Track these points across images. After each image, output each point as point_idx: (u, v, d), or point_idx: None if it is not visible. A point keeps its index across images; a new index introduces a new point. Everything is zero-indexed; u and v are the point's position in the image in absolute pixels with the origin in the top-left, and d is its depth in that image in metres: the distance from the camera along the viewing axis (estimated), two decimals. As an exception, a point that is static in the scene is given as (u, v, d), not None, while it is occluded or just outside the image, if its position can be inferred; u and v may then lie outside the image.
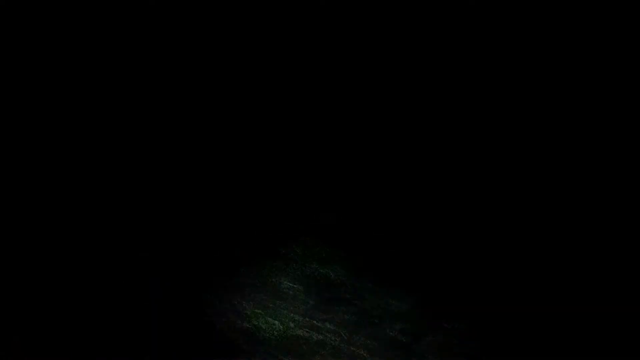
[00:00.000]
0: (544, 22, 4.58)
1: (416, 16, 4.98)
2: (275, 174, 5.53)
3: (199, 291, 3.30)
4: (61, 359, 2.27)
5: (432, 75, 5.13)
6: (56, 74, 4.78)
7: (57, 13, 4.65)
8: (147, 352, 2.33)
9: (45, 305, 2.98)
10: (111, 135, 5.09)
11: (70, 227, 4.78)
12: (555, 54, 4.60)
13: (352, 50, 5.22)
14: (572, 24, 4.44)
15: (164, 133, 5.30)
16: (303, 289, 3.39)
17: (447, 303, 3.28)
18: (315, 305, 3.16)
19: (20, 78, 4.61)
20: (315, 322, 2.94)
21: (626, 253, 3.69)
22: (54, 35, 4.68)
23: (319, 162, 5.49)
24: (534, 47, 4.69)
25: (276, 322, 2.91)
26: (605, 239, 3.83)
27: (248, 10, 5.08)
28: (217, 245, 4.53)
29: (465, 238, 4.09)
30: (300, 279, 3.57)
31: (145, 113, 5.19)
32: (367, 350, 2.75)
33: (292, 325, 2.88)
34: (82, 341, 2.45)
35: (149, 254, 4.20)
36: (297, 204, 5.38)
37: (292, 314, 3.03)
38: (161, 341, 2.48)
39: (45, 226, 4.65)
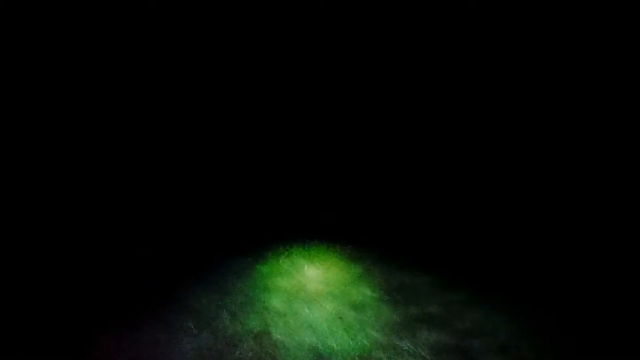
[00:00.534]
0: (543, 22, 4.57)
1: (416, 16, 4.97)
2: (277, 176, 5.55)
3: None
4: (61, 356, 2.29)
5: (432, 76, 5.12)
6: (56, 73, 4.79)
7: (57, 13, 4.66)
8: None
9: (45, 304, 2.99)
10: (112, 137, 5.10)
11: (71, 228, 4.80)
12: (554, 53, 4.60)
13: (352, 56, 5.21)
14: (571, 23, 4.44)
15: (166, 135, 5.30)
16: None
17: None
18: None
19: (20, 78, 4.62)
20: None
21: None
22: (54, 35, 4.68)
23: (319, 166, 5.49)
24: (533, 47, 4.68)
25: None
26: None
27: (248, 10, 5.07)
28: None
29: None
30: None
31: (146, 115, 5.19)
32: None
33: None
34: (82, 339, 2.47)
35: (149, 254, 4.22)
36: (299, 206, 5.40)
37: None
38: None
39: (46, 227, 4.67)
